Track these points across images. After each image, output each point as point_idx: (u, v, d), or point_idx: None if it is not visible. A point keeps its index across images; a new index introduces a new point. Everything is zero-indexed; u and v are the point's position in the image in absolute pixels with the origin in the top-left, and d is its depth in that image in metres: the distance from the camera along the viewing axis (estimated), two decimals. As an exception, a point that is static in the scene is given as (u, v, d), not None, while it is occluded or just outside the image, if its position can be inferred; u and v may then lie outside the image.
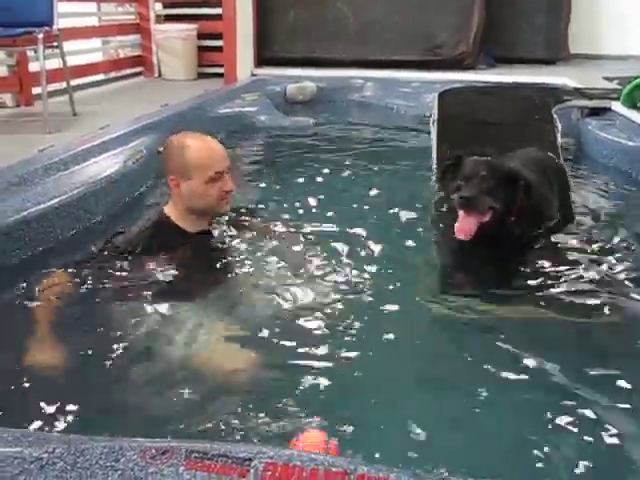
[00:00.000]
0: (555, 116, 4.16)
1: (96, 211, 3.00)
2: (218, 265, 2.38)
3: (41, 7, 4.24)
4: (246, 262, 2.44)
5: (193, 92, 5.53)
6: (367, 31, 6.79)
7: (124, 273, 2.21)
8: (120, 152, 3.53)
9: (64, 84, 4.68)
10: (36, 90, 4.77)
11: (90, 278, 2.19)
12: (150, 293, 2.14)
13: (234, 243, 2.54)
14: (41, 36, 4.03)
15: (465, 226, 2.47)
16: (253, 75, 6.68)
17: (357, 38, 6.80)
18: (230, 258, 2.45)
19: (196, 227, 2.37)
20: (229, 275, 2.36)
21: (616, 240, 2.78)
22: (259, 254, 2.52)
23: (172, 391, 1.73)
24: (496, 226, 2.51)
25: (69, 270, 2.25)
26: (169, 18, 6.98)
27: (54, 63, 4.73)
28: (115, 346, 1.89)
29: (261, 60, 6.95)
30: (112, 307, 2.10)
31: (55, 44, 4.40)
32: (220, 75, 6.54)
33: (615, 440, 1.55)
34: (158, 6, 6.95)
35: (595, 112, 4.56)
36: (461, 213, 2.49)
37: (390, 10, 6.74)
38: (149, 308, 2.08)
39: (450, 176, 2.66)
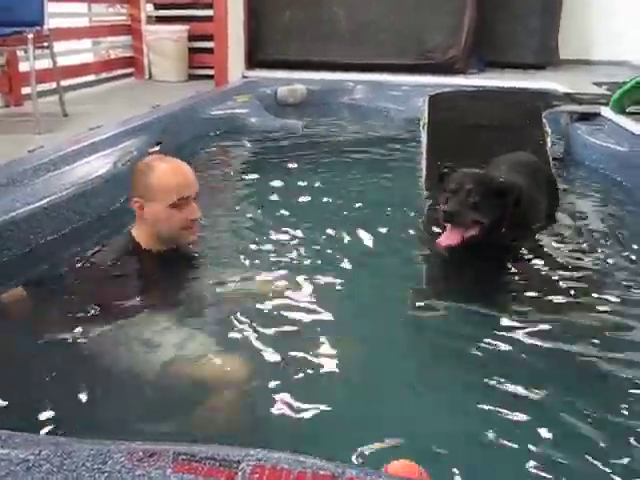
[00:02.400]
0: (545, 121, 4.18)
1: (86, 212, 2.98)
2: (191, 278, 2.34)
3: (32, 7, 4.21)
4: (225, 272, 2.41)
5: (184, 94, 5.52)
6: (361, 33, 6.80)
7: (95, 292, 2.12)
8: (110, 153, 3.52)
9: (54, 84, 4.66)
10: (26, 90, 4.75)
11: (57, 298, 2.12)
12: (130, 310, 2.07)
13: (208, 255, 2.51)
14: (31, 36, 4.01)
15: (448, 238, 2.45)
16: (244, 77, 6.67)
17: (351, 39, 6.81)
18: (205, 270, 2.41)
19: (163, 248, 2.28)
20: (209, 288, 2.30)
21: (602, 243, 2.80)
22: (235, 262, 2.52)
23: (159, 399, 1.72)
24: (485, 239, 2.48)
25: (32, 288, 2.18)
26: (160, 19, 6.97)
27: (44, 63, 4.69)
28: (99, 356, 1.87)
29: (255, 62, 6.94)
30: (88, 324, 2.00)
31: (45, 44, 4.37)
32: (211, 77, 6.52)
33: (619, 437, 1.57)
34: (149, 7, 6.94)
35: (584, 117, 4.60)
36: (448, 226, 2.48)
37: (385, 11, 6.75)
38: (130, 324, 2.00)
39: (443, 185, 2.66)
